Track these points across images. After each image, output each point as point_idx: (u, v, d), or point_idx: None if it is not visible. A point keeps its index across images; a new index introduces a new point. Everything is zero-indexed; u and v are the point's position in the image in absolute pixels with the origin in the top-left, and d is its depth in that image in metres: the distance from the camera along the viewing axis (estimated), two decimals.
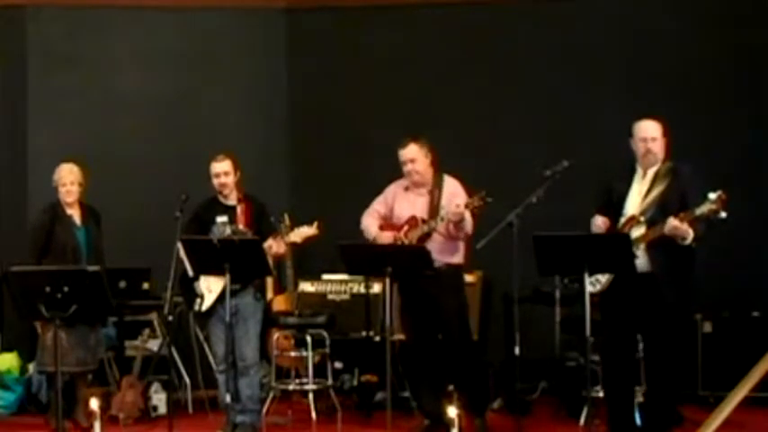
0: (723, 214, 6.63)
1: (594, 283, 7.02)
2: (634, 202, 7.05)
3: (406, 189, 7.93)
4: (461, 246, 7.78)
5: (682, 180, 6.96)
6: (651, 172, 7.06)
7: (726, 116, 9.37)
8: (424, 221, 7.72)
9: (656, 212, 6.90)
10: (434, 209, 7.73)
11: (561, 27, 9.67)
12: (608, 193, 7.20)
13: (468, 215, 7.54)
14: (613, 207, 7.11)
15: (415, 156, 7.81)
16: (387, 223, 7.92)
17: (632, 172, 7.13)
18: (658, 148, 7.04)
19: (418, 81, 9.91)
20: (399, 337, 8.06)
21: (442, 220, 7.61)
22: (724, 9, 9.44)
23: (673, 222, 6.71)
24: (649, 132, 7.04)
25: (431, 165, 7.87)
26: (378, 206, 8.01)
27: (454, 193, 7.74)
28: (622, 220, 7.03)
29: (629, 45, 9.57)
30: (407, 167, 7.83)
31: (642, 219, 6.93)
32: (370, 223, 7.95)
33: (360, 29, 10.10)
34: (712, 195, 6.64)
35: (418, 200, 7.86)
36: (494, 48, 9.81)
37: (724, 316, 8.92)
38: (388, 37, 10.03)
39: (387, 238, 7.83)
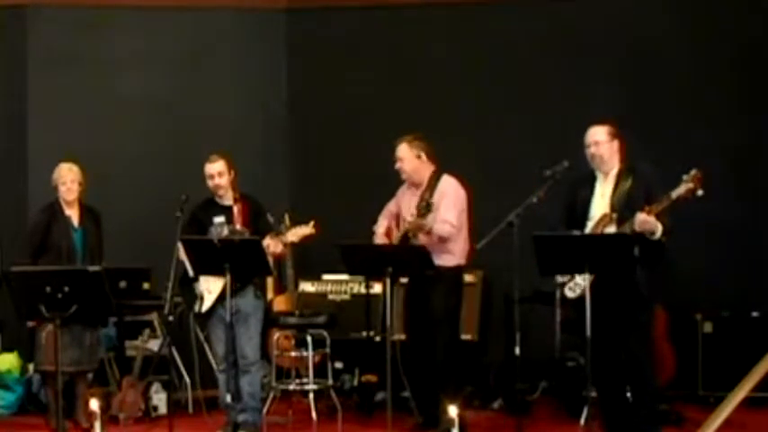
0: (700, 192, 6.65)
1: (574, 288, 7.04)
2: (599, 205, 7.07)
3: (409, 188, 7.99)
4: (453, 248, 7.77)
5: (643, 177, 7.00)
6: (613, 173, 7.08)
7: (725, 116, 9.36)
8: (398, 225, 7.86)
9: (624, 210, 6.92)
10: (420, 209, 7.74)
11: (561, 27, 9.66)
12: (573, 201, 7.22)
13: (422, 237, 7.64)
14: (578, 213, 7.13)
15: (403, 155, 7.91)
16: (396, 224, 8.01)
17: (593, 178, 7.15)
18: (603, 150, 7.05)
19: (418, 81, 9.90)
20: (399, 337, 8.07)
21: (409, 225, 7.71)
22: (723, 9, 9.43)
23: (641, 216, 6.74)
24: (590, 137, 7.08)
25: (427, 164, 7.89)
26: (391, 205, 8.13)
27: (443, 194, 7.79)
28: (589, 224, 7.03)
29: (630, 46, 9.55)
30: (396, 166, 7.94)
31: (614, 215, 6.95)
32: (378, 224, 8.08)
33: (360, 29, 10.09)
34: (686, 176, 6.66)
35: (413, 199, 7.91)
36: (494, 47, 9.80)
37: (724, 316, 8.92)
38: (388, 37, 10.03)
39: (381, 243, 7.97)
